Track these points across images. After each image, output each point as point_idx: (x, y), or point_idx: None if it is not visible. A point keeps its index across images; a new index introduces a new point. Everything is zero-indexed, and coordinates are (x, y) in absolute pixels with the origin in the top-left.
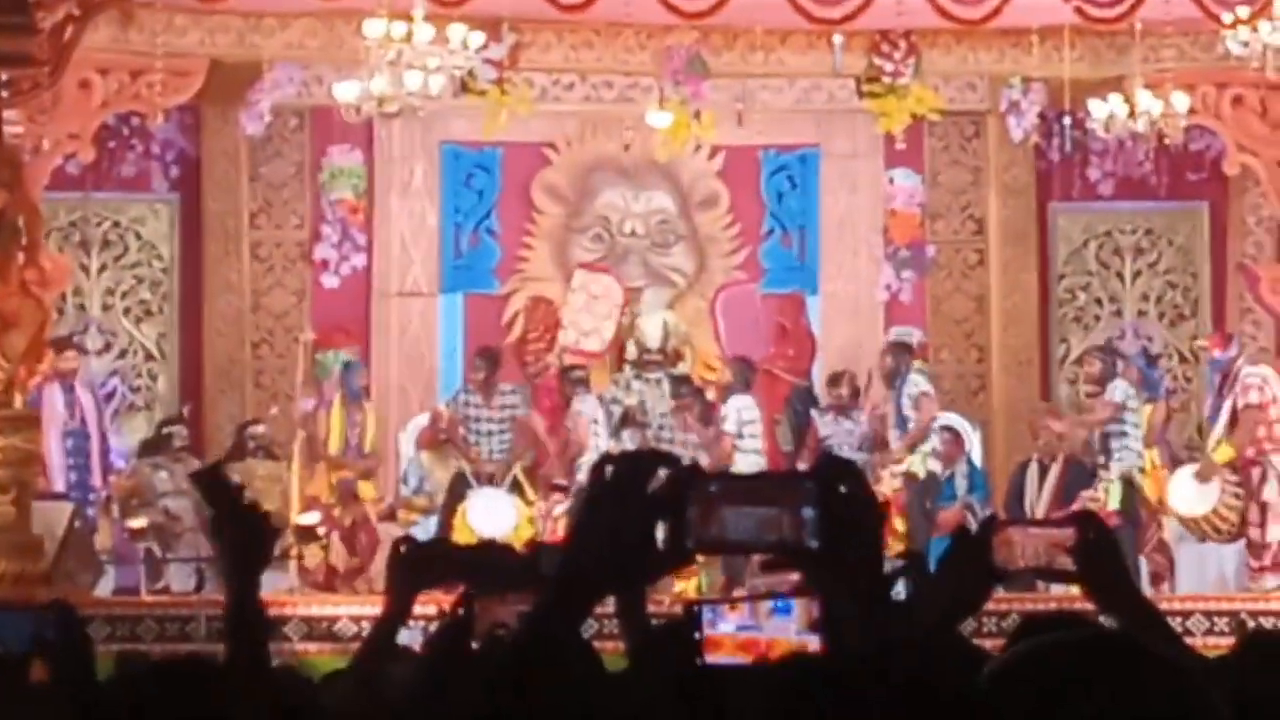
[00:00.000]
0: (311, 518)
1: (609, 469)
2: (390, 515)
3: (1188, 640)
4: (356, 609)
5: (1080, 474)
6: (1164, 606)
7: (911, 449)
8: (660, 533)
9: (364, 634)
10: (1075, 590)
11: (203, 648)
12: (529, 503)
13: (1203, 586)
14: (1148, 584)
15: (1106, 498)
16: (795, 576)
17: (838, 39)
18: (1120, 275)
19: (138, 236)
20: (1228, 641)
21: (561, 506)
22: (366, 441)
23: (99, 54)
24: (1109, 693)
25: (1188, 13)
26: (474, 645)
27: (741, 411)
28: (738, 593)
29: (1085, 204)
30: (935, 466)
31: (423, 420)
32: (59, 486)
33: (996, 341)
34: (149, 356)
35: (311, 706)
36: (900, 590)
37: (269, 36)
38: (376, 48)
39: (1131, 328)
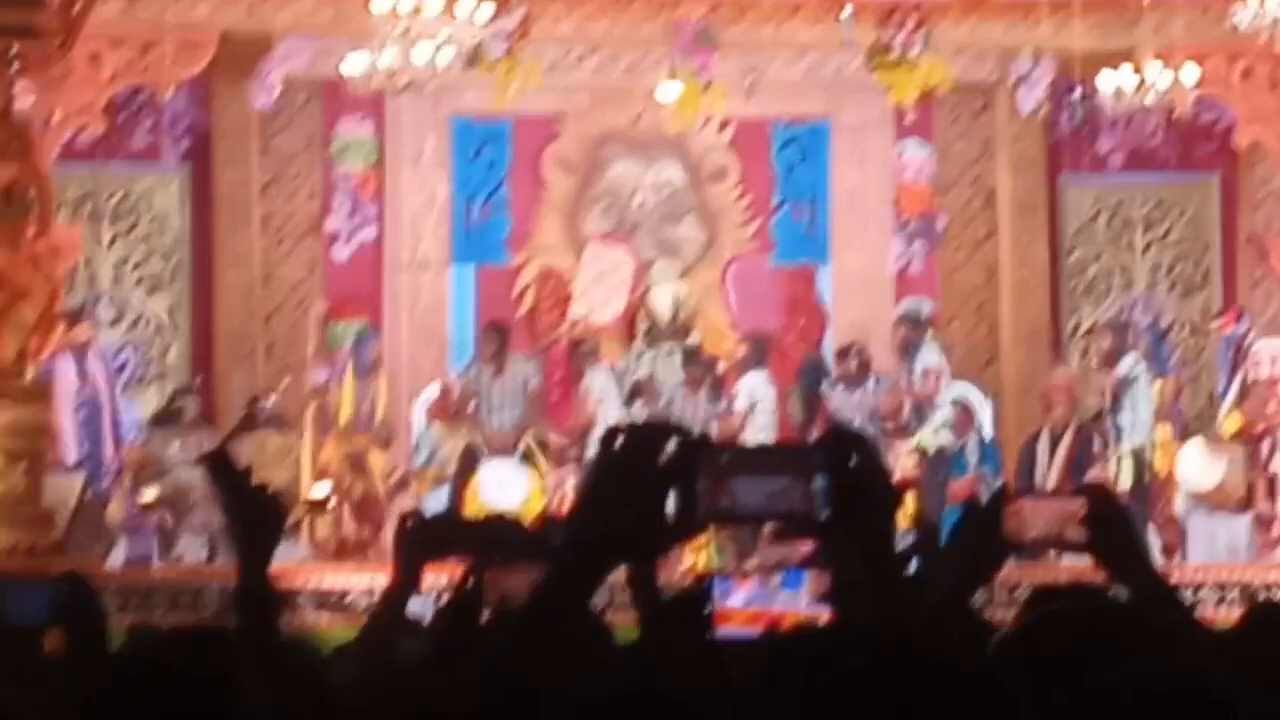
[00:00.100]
0: (323, 489)
1: (619, 440)
2: (402, 487)
3: (1198, 612)
4: (368, 580)
5: (1091, 446)
6: (1175, 578)
7: (919, 418)
8: (670, 504)
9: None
10: (1087, 561)
11: (215, 619)
12: (540, 474)
13: (1213, 558)
14: (1159, 556)
15: (1117, 470)
16: (806, 547)
17: (847, 11)
18: (1131, 247)
19: (149, 209)
20: (1239, 613)
21: (572, 479)
22: (378, 412)
23: (109, 26)
24: (1113, 664)
25: None
26: (483, 617)
27: (755, 389)
28: (749, 564)
29: (1095, 176)
30: (947, 440)
31: (434, 392)
32: (71, 458)
33: (1007, 314)
34: (160, 328)
35: (321, 678)
36: (912, 562)
37: (279, 9)
38: (386, 20)
39: (1142, 300)
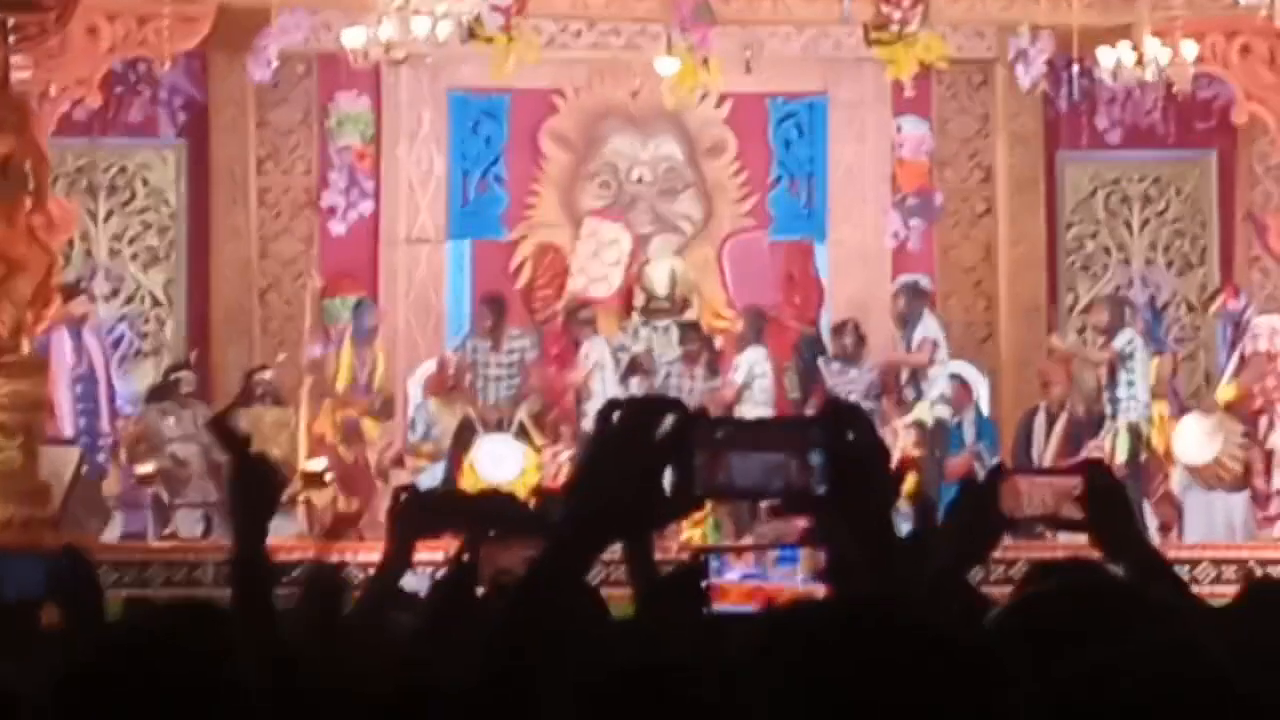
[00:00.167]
0: (319, 463)
1: (615, 415)
2: (398, 462)
3: (1195, 589)
4: (365, 555)
5: (1087, 423)
6: (1172, 555)
7: (914, 387)
8: (667, 479)
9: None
10: (1083, 538)
11: (211, 593)
12: (536, 449)
13: (1210, 535)
14: (1155, 533)
15: (1113, 447)
16: (803, 523)
17: None
18: (1128, 224)
19: (145, 182)
20: (1235, 590)
21: (567, 452)
22: (375, 380)
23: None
24: (1108, 640)
25: None
26: (478, 591)
27: (754, 365)
28: (746, 540)
29: (1093, 152)
30: (944, 413)
31: (430, 367)
32: (68, 432)
33: (1004, 290)
34: (156, 303)
35: (316, 653)
36: (908, 538)
37: None
38: None
39: (1139, 276)
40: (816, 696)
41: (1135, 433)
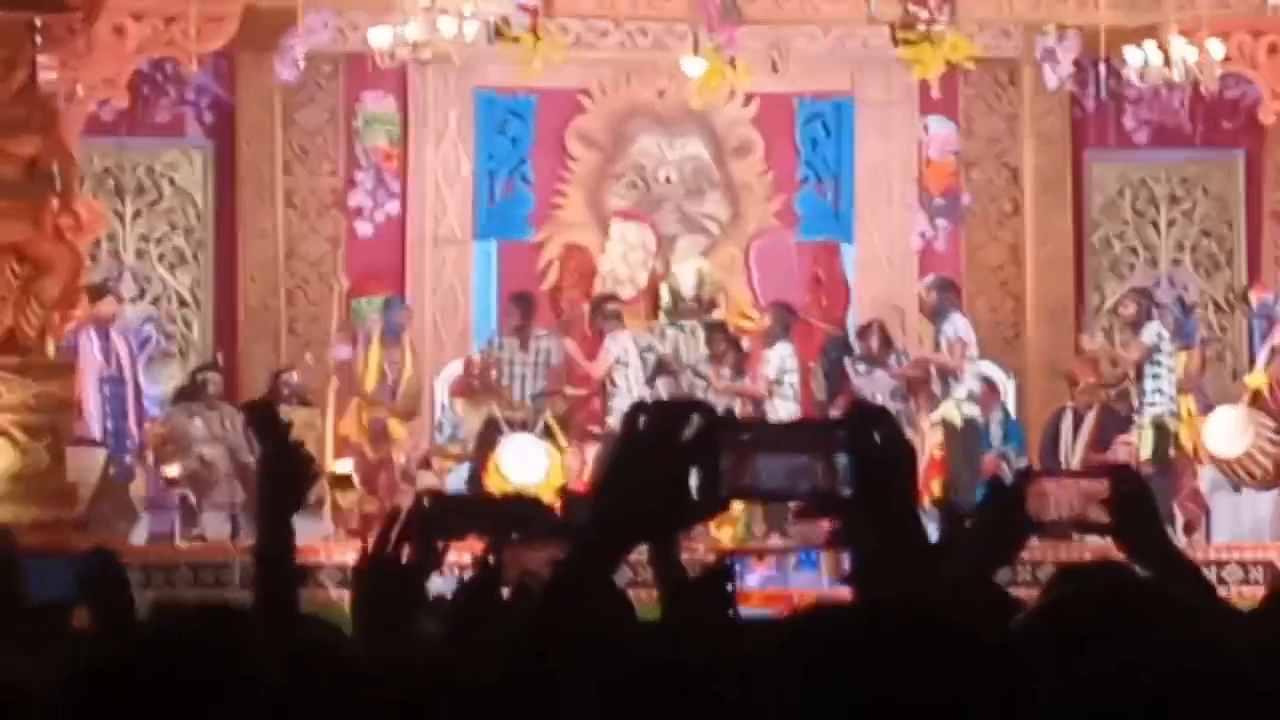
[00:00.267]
0: (345, 465)
1: (642, 417)
2: (425, 463)
3: (1222, 590)
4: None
5: (1115, 422)
6: (1199, 556)
7: (944, 387)
8: (693, 481)
9: None
10: (1110, 541)
11: (238, 595)
12: (560, 449)
13: (1238, 535)
14: (1181, 533)
15: (1139, 443)
16: (829, 525)
17: None
18: (1155, 224)
19: (172, 183)
20: (1263, 591)
21: (586, 452)
22: (403, 381)
23: (133, 0)
24: (1134, 641)
25: None
26: (504, 593)
27: (785, 359)
28: (774, 543)
29: (1120, 152)
30: (973, 412)
31: (457, 368)
32: (95, 433)
33: (1031, 290)
34: (183, 303)
35: (340, 654)
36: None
37: None
38: None
39: (1166, 276)
40: (838, 696)
41: (1161, 429)
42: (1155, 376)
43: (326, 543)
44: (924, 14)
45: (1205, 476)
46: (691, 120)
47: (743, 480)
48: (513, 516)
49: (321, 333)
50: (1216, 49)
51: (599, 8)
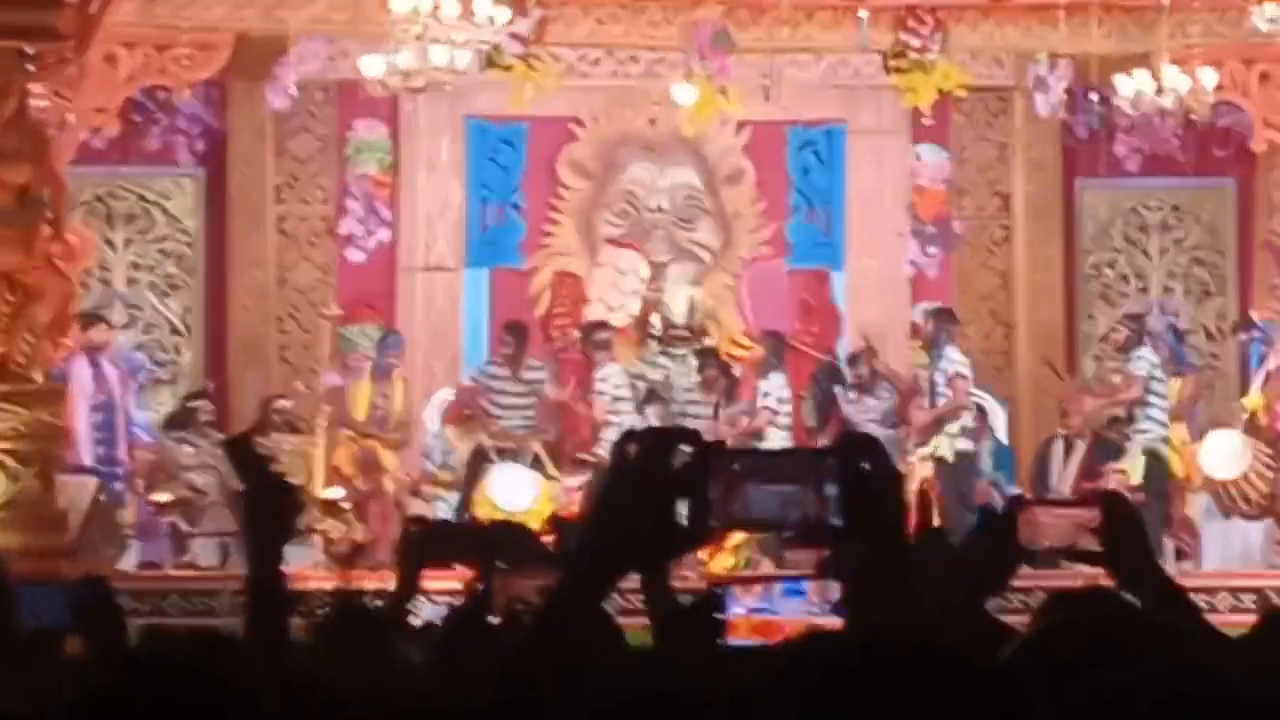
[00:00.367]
0: (336, 493)
1: (632, 445)
2: (415, 491)
3: (1212, 617)
4: (381, 584)
5: (1106, 451)
6: (1189, 583)
7: (939, 425)
8: (683, 510)
9: None
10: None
11: (227, 622)
12: (550, 478)
13: (1228, 563)
14: (1172, 560)
15: (1130, 471)
16: (820, 554)
17: (864, 14)
18: (1146, 252)
19: (163, 211)
20: (1253, 618)
21: (576, 480)
22: (394, 413)
23: (125, 28)
24: (1127, 670)
25: None
26: (493, 620)
27: (780, 389)
28: (764, 568)
29: (1112, 180)
30: (966, 446)
31: (447, 395)
32: (86, 460)
33: (1022, 318)
34: (174, 331)
35: (329, 682)
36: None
37: (295, 10)
38: (402, 22)
39: (1158, 304)
40: None
41: (1154, 456)
42: (1148, 405)
43: (316, 570)
44: (916, 42)
45: (1196, 504)
46: (683, 148)
47: (733, 509)
48: (498, 544)
49: (312, 360)
50: (1208, 77)
51: (591, 36)
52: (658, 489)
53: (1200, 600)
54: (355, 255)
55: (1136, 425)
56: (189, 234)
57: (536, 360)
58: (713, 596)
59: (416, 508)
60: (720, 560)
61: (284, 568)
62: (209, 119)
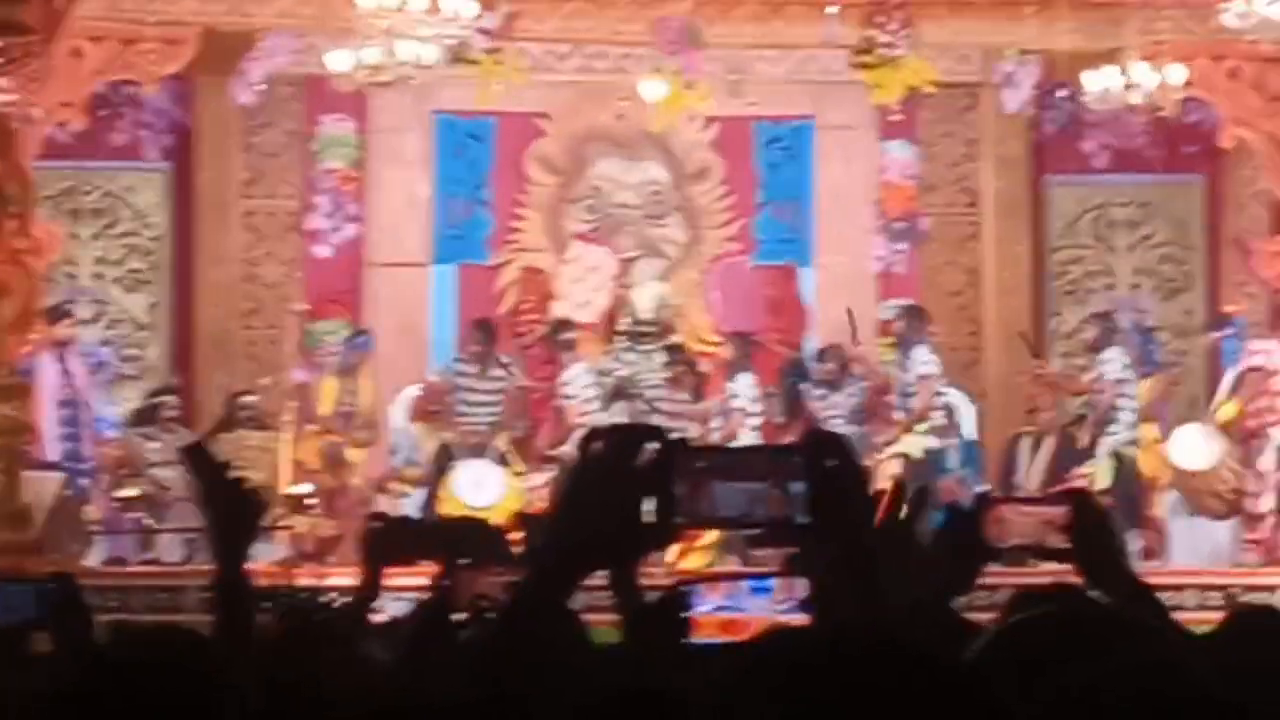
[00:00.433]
0: (302, 488)
1: (597, 443)
2: (382, 487)
3: (1179, 616)
4: (348, 580)
5: (1073, 452)
6: (1156, 582)
7: (908, 430)
8: (648, 507)
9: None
10: (1068, 566)
11: (192, 619)
12: (516, 474)
13: (1195, 561)
14: (1139, 559)
15: (1096, 474)
16: (786, 552)
17: (832, 10)
18: (1114, 248)
19: (129, 206)
20: (1219, 617)
21: (541, 477)
22: (360, 407)
23: (91, 22)
24: (1096, 665)
25: None
26: (457, 616)
27: (748, 388)
28: (732, 565)
29: (1080, 177)
30: (934, 444)
31: (414, 391)
32: (52, 456)
33: (990, 314)
34: (140, 326)
35: (297, 678)
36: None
37: (262, 5)
38: (369, 16)
39: (1126, 301)
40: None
41: (1119, 458)
42: (1117, 408)
43: (282, 566)
44: (884, 38)
45: (1164, 503)
46: (650, 144)
47: (699, 507)
48: (461, 540)
49: (279, 356)
50: (1177, 74)
51: (558, 31)
52: (623, 486)
53: (1167, 598)
54: (322, 250)
55: (1105, 427)
56: (155, 229)
57: (505, 356)
58: (679, 594)
59: (383, 504)
60: (692, 559)
61: (249, 566)
62: (176, 114)
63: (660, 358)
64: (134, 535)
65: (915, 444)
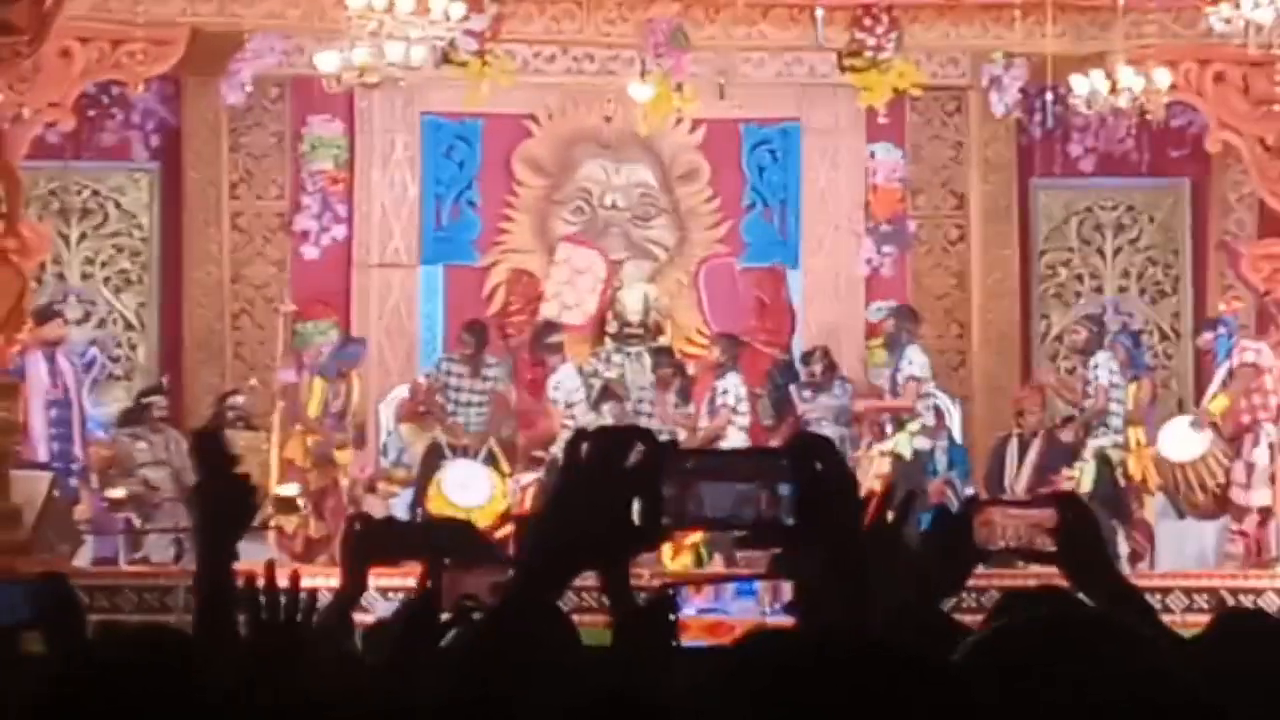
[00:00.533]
0: (290, 489)
1: (585, 444)
2: (370, 487)
3: (1167, 618)
4: (337, 580)
5: (1059, 454)
6: (1143, 584)
7: (899, 424)
8: (636, 509)
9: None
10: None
11: (181, 619)
12: (504, 475)
13: (1182, 564)
14: (1127, 562)
15: (1081, 477)
16: (772, 554)
17: (819, 12)
18: (1101, 252)
19: (118, 206)
20: (1207, 619)
21: (528, 477)
22: (348, 408)
23: (80, 22)
24: (1083, 669)
25: None
26: (443, 616)
27: (736, 389)
28: (718, 566)
29: (1066, 180)
30: (924, 444)
31: (402, 392)
32: (42, 456)
33: (977, 317)
34: (128, 326)
35: (282, 679)
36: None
37: (250, 6)
38: (358, 18)
39: (1112, 304)
40: None
41: (1104, 460)
42: (1107, 413)
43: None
44: (871, 41)
45: (1152, 505)
46: (638, 146)
47: (687, 508)
48: (444, 541)
49: (267, 356)
50: (1163, 78)
51: (546, 33)
52: (611, 488)
53: (1154, 601)
54: (310, 251)
55: (1091, 430)
56: (144, 229)
57: (492, 358)
58: (666, 596)
59: (371, 504)
60: (681, 559)
61: (233, 564)
62: (164, 114)
63: (648, 360)
64: (123, 535)
65: (905, 443)
